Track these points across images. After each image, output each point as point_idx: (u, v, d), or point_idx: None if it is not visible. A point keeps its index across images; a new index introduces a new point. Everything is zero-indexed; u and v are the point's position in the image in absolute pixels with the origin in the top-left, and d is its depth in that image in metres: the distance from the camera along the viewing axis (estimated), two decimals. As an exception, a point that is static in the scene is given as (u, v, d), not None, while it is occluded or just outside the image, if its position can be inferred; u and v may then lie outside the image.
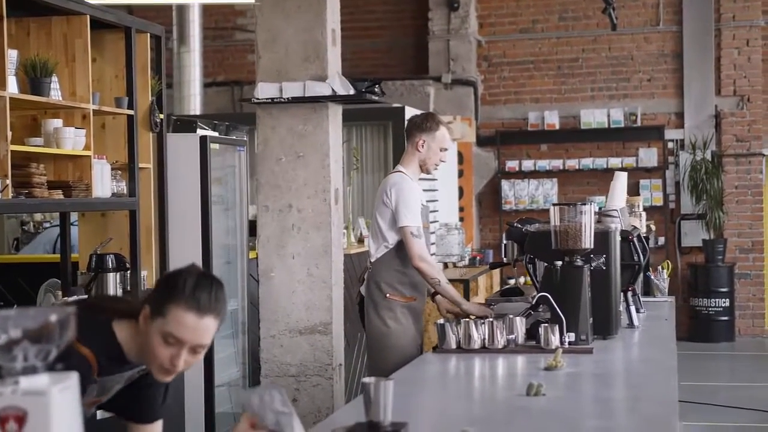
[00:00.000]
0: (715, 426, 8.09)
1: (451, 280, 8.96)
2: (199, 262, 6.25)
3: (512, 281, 12.18)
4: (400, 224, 5.08)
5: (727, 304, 12.22)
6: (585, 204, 4.42)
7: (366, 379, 2.73)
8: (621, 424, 3.01)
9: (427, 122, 5.29)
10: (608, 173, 12.44)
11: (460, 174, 12.38)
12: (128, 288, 5.54)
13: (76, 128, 5.00)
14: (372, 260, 5.27)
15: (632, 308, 5.02)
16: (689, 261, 12.62)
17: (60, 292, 5.36)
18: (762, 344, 12.32)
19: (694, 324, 12.33)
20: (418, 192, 5.21)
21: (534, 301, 4.41)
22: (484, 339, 4.23)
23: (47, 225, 8.45)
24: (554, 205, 4.45)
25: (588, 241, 4.38)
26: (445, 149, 5.32)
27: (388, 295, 5.17)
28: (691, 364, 10.72)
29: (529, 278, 12.11)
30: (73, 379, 1.77)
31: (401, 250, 5.13)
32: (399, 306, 5.18)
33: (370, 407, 2.72)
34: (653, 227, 10.10)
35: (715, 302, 12.20)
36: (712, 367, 11.04)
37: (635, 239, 5.08)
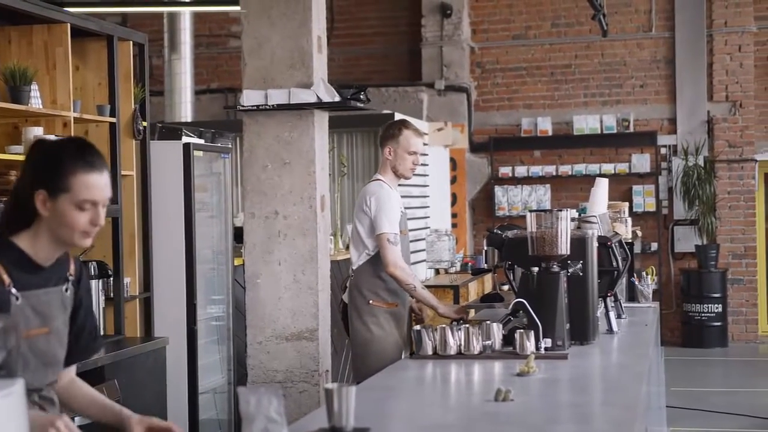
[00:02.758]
0: (695, 431, 8.10)
1: (441, 287, 9.06)
2: (183, 269, 6.29)
3: (506, 287, 12.19)
4: (378, 231, 5.18)
5: (720, 309, 12.23)
6: (561, 210, 4.43)
7: (328, 385, 2.75)
8: (584, 429, 3.01)
9: (390, 129, 5.40)
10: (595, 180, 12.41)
11: (453, 180, 12.41)
12: (111, 295, 5.56)
13: (56, 136, 5.02)
14: (354, 267, 5.36)
15: (611, 314, 5.03)
16: (682, 267, 12.63)
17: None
18: (755, 350, 12.32)
19: (687, 330, 12.34)
20: (396, 200, 5.27)
21: (510, 307, 4.42)
22: (460, 345, 4.25)
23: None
24: (530, 211, 4.47)
25: (564, 248, 4.39)
26: (414, 152, 5.36)
27: (371, 301, 5.26)
28: (684, 369, 10.73)
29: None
30: (18, 385, 1.79)
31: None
32: (382, 312, 5.25)
33: (333, 413, 2.74)
34: (639, 233, 10.08)
35: (708, 308, 12.21)
36: (704, 372, 11.05)
37: (615, 245, 5.09)
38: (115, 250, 5.59)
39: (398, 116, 9.84)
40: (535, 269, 4.40)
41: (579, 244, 4.55)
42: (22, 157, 4.93)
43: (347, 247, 8.15)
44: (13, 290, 2.64)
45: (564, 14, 12.97)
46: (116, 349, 5.28)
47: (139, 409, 4.68)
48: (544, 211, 4.45)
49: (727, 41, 12.57)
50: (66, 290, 2.80)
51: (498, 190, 12.92)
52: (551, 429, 2.99)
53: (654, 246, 12.53)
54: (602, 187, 5.55)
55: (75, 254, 2.94)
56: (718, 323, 12.24)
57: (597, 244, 4.76)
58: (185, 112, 10.51)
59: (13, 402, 1.78)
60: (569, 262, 4.49)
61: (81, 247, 2.73)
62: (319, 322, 5.83)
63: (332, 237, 7.94)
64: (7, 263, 2.66)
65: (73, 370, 2.95)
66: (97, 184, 2.67)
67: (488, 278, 11.19)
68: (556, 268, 4.40)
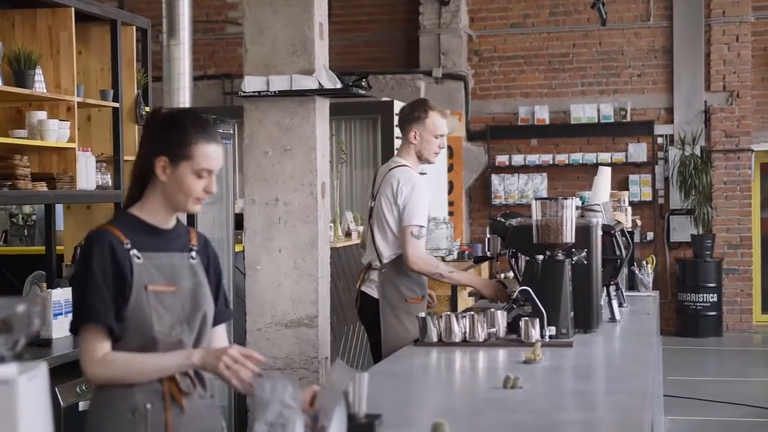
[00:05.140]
0: (702, 420, 8.13)
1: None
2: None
3: (501, 275, 12.20)
4: (404, 223, 4.93)
5: (715, 299, 12.27)
6: (566, 199, 4.43)
7: (340, 372, 2.75)
8: (593, 416, 3.03)
9: (414, 111, 5.12)
10: (598, 168, 12.44)
11: (450, 168, 12.41)
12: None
13: (60, 120, 5.01)
14: (384, 260, 5.07)
15: (614, 302, 5.04)
16: (678, 256, 12.66)
17: (45, 284, 5.36)
18: (749, 339, 12.37)
19: (682, 319, 12.37)
20: (426, 190, 5.07)
21: (515, 294, 4.43)
22: (465, 332, 4.25)
23: (35, 217, 8.44)
24: (536, 199, 4.46)
25: (569, 236, 4.39)
26: (441, 135, 5.11)
27: (408, 299, 5.04)
28: (679, 358, 10.77)
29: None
30: (40, 369, 1.79)
31: None
32: (415, 308, 5.06)
33: (346, 399, 2.74)
34: (639, 222, 10.12)
35: (703, 297, 12.24)
36: (699, 361, 11.09)
37: (618, 234, 5.10)
38: (117, 235, 5.57)
39: (398, 105, 9.83)
40: (540, 257, 4.40)
41: (584, 232, 4.55)
42: (26, 141, 4.92)
43: (347, 234, 8.15)
44: (134, 251, 2.80)
45: (562, 3, 12.97)
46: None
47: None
48: (549, 199, 4.44)
49: (725, 31, 12.58)
50: (192, 258, 2.92)
51: (495, 179, 12.92)
52: (561, 416, 3.00)
53: (650, 235, 12.56)
54: (605, 175, 5.55)
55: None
56: (713, 313, 12.28)
57: (601, 233, 4.76)
58: (183, 98, 10.43)
59: (38, 384, 1.78)
60: (574, 250, 4.49)
61: (191, 212, 2.91)
62: (319, 309, 5.83)
63: (332, 224, 7.93)
64: (124, 228, 2.83)
65: (220, 338, 3.04)
66: (215, 154, 2.85)
67: (485, 266, 11.20)
68: (560, 257, 4.40)
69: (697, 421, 8.10)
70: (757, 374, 10.41)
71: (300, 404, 2.56)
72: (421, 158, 5.15)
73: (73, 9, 5.13)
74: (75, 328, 2.80)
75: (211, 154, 2.83)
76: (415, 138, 5.09)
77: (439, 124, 5.12)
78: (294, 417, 2.56)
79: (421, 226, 4.96)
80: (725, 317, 12.47)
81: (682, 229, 12.59)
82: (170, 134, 2.84)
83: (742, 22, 12.55)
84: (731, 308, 12.57)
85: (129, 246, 2.80)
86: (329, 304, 5.99)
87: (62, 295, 5.02)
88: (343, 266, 7.43)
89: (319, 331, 5.81)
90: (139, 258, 2.80)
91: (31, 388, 1.75)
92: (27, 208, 8.43)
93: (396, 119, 9.73)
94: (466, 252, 10.97)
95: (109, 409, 2.80)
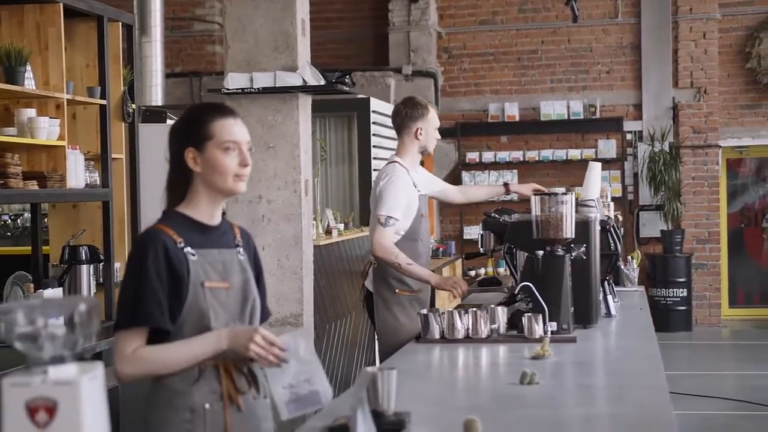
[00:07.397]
0: (684, 414, 8.16)
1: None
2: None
3: (472, 272, 12.22)
4: (375, 211, 5.04)
5: (685, 294, 12.37)
6: (566, 193, 4.43)
7: (370, 369, 2.72)
8: (616, 410, 3.02)
9: (417, 110, 5.23)
10: (568, 164, 12.56)
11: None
12: (101, 280, 5.47)
13: (50, 118, 4.93)
14: (377, 255, 5.09)
15: (609, 297, 5.06)
16: (647, 251, 12.75)
17: (32, 285, 5.27)
18: (718, 333, 12.48)
19: (652, 314, 12.33)
20: (409, 185, 5.12)
21: (517, 290, 4.42)
22: (468, 329, 4.24)
23: (5, 217, 8.32)
24: (535, 194, 4.46)
25: (569, 231, 4.40)
26: (437, 126, 5.33)
27: (397, 290, 5.11)
28: (651, 353, 10.83)
29: (492, 269, 12.03)
30: (99, 368, 1.76)
31: (405, 243, 5.05)
32: (407, 300, 5.10)
33: (375, 396, 2.71)
34: (620, 217, 10.18)
35: (673, 292, 12.34)
36: (671, 356, 11.13)
37: (612, 228, 5.12)
38: (105, 234, 5.50)
39: (374, 102, 9.82)
40: (540, 253, 4.39)
41: (582, 227, 4.55)
42: (16, 139, 4.83)
43: (327, 232, 8.12)
44: (187, 248, 2.78)
45: (530, 0, 13.00)
46: (111, 335, 5.19)
47: (133, 391, 4.61)
48: (549, 194, 4.44)
49: (692, 28, 12.68)
50: (240, 254, 2.90)
51: (465, 176, 12.93)
52: (585, 412, 2.99)
53: (620, 231, 12.62)
54: (596, 171, 5.56)
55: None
56: (683, 307, 12.38)
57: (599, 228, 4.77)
58: (156, 96, 10.34)
59: (97, 384, 1.75)
60: (573, 245, 4.48)
61: (238, 192, 2.86)
62: (304, 307, 5.81)
63: (313, 222, 7.89)
64: (175, 226, 2.80)
65: None
66: (235, 127, 2.84)
67: (458, 263, 11.22)
68: (560, 252, 4.40)
69: (678, 415, 8.12)
70: (728, 368, 10.51)
71: (316, 355, 2.57)
72: (425, 152, 5.33)
73: (61, 5, 5.05)
74: (122, 328, 2.76)
75: (229, 126, 2.82)
76: (420, 134, 5.22)
77: (436, 116, 5.35)
78: (315, 369, 2.55)
79: (390, 216, 5.00)
80: (695, 312, 12.58)
81: (652, 225, 12.68)
82: (187, 126, 2.86)
83: (709, 19, 12.66)
84: (700, 303, 12.68)
85: (182, 244, 2.78)
86: (313, 302, 5.97)
87: (53, 295, 4.95)
88: (324, 264, 7.39)
89: (304, 329, 5.79)
90: (193, 255, 2.79)
91: (92, 388, 1.72)
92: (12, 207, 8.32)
93: (372, 116, 9.72)
94: (440, 249, 10.99)
95: (167, 409, 2.77)
